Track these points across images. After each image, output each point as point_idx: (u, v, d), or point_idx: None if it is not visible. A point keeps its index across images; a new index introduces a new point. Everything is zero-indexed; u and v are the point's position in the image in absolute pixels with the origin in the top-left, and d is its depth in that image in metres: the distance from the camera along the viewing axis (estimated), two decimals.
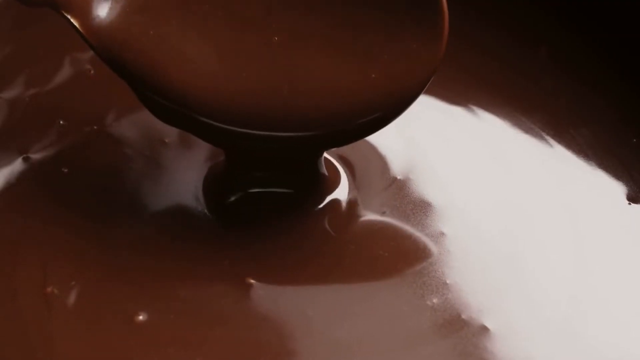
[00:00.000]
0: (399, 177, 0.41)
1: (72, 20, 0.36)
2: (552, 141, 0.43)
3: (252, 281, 0.38)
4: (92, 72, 0.45)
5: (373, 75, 0.36)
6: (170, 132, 0.42)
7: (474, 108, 0.44)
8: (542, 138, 0.44)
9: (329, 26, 0.36)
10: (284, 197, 0.41)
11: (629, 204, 0.41)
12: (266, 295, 0.37)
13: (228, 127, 0.37)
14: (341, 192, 0.41)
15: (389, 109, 0.37)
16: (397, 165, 0.42)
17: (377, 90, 0.36)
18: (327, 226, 0.40)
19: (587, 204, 0.41)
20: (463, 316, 0.37)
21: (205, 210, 0.40)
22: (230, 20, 0.36)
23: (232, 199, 0.40)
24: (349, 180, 0.41)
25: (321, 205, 0.40)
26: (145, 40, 0.36)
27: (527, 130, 0.44)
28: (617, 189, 0.42)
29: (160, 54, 0.36)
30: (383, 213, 0.40)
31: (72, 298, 0.37)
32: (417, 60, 0.36)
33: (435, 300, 0.38)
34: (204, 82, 0.36)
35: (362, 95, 0.36)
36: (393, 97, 0.36)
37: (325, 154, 0.41)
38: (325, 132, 0.37)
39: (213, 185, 0.41)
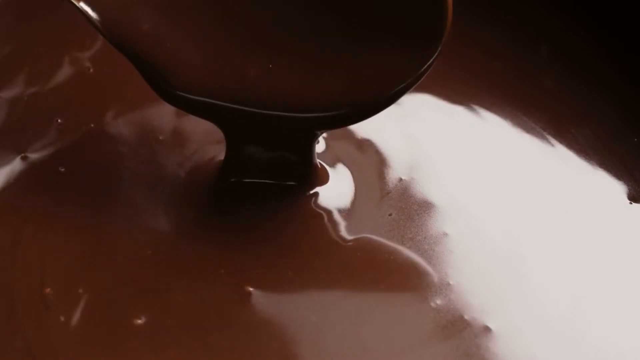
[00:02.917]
0: (403, 178, 0.41)
1: (77, 4, 0.36)
2: (553, 140, 0.43)
3: (250, 289, 0.37)
4: (90, 70, 0.45)
5: (370, 58, 0.36)
6: (165, 130, 0.42)
7: (476, 107, 0.44)
8: (543, 137, 0.43)
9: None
10: (280, 199, 0.40)
11: (630, 203, 0.41)
12: (267, 302, 0.37)
13: (236, 107, 0.37)
14: (346, 195, 0.40)
15: (386, 93, 0.37)
16: (401, 166, 0.41)
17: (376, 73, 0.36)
18: (328, 230, 0.39)
19: (588, 203, 0.41)
20: (466, 317, 0.37)
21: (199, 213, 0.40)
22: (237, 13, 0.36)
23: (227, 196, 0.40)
24: (354, 183, 0.41)
25: (322, 209, 0.40)
26: (149, 27, 0.36)
27: (528, 129, 0.43)
28: (618, 189, 0.41)
29: (166, 40, 0.36)
30: (389, 215, 0.40)
31: (70, 299, 0.37)
32: (419, 42, 0.36)
33: (438, 302, 0.37)
34: (211, 70, 0.36)
35: (364, 77, 0.36)
36: (392, 79, 0.36)
37: (328, 156, 0.41)
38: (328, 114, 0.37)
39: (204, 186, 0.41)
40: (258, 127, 0.38)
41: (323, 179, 0.41)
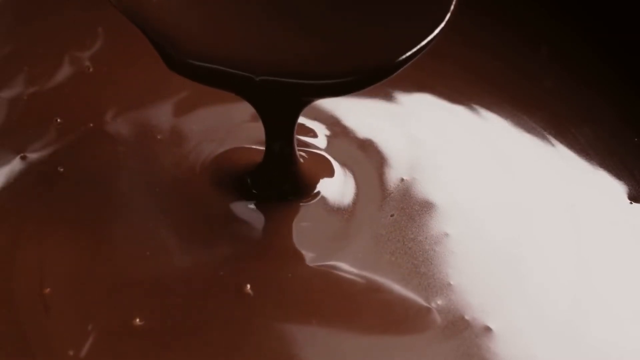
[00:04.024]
0: (405, 178, 0.41)
1: None
2: (553, 140, 0.43)
3: (250, 290, 0.37)
4: (90, 69, 0.44)
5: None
6: (163, 129, 0.42)
7: (476, 107, 0.44)
8: (543, 137, 0.43)
9: None
10: (281, 199, 0.40)
11: (631, 203, 0.41)
12: (266, 303, 0.37)
13: (245, 74, 0.35)
14: (348, 195, 0.40)
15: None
16: (402, 166, 0.41)
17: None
18: (329, 232, 0.39)
19: (589, 203, 0.40)
20: (466, 317, 0.37)
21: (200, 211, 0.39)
22: None
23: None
24: (356, 183, 0.40)
25: (324, 210, 0.39)
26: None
27: (528, 129, 0.43)
28: (618, 188, 0.41)
29: (175, 9, 0.36)
30: (391, 216, 0.39)
31: (69, 299, 0.36)
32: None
33: (439, 302, 0.37)
34: (221, 36, 0.36)
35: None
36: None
37: (330, 156, 0.41)
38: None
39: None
40: (266, 95, 0.37)
41: (328, 172, 0.40)
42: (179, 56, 0.35)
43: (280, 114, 0.38)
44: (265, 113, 0.38)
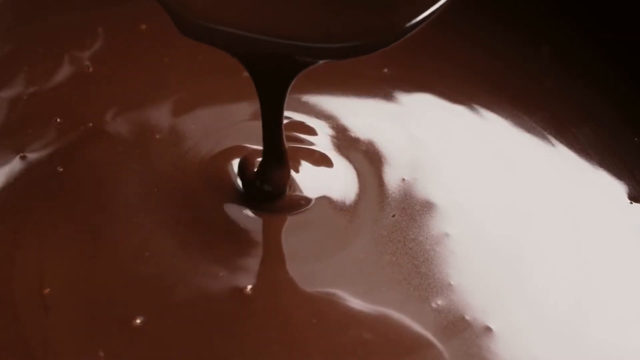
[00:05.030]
0: (406, 178, 0.41)
1: None
2: (554, 140, 0.43)
3: (250, 291, 0.37)
4: (90, 69, 0.44)
5: None
6: (162, 128, 0.42)
7: (477, 107, 0.44)
8: (544, 137, 0.43)
9: None
10: (281, 200, 0.40)
11: (631, 203, 0.40)
12: (267, 304, 0.37)
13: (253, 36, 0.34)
14: (349, 196, 0.40)
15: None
16: (403, 166, 0.41)
17: None
18: (331, 233, 0.39)
19: (589, 203, 0.40)
20: (467, 317, 0.36)
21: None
22: None
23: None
24: (358, 184, 0.40)
25: (325, 212, 0.39)
26: None
27: (529, 129, 0.43)
28: (618, 188, 0.41)
29: None
30: (393, 216, 0.39)
31: (68, 299, 0.36)
32: None
33: (439, 302, 0.37)
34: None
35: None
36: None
37: (332, 156, 0.41)
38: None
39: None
40: (274, 56, 0.35)
41: (329, 172, 0.40)
42: (192, 18, 0.34)
43: (278, 80, 0.37)
44: (263, 78, 0.37)
